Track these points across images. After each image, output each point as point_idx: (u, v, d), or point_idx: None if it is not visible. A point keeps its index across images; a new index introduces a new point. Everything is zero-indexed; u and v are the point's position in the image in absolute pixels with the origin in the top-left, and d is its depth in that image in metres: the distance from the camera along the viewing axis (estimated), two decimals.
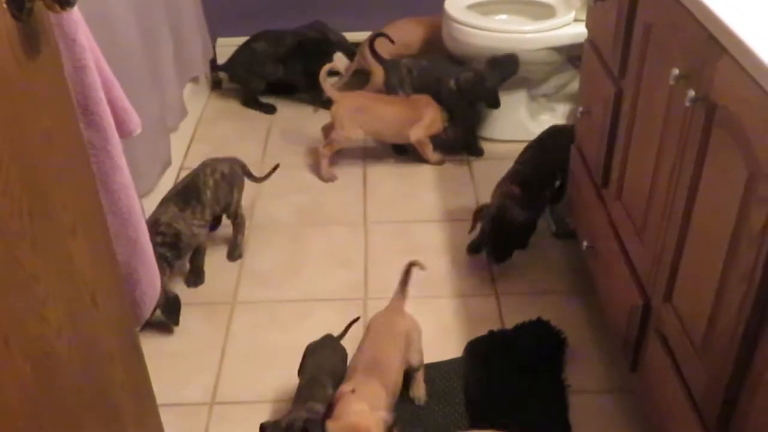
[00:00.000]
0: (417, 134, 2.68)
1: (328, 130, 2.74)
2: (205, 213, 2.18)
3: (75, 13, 1.16)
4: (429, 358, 1.96)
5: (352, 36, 3.23)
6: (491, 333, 2.01)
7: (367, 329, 1.84)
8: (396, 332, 1.82)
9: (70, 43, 1.15)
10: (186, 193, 2.17)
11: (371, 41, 2.85)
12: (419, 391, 1.85)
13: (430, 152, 2.74)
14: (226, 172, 2.28)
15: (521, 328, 2.02)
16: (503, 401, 1.81)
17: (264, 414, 1.83)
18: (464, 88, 2.67)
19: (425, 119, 2.67)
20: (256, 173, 2.43)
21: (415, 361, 1.84)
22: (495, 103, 2.70)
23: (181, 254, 2.12)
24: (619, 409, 1.81)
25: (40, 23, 1.01)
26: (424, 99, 2.71)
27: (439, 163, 2.76)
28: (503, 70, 2.65)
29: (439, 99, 2.72)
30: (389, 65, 2.86)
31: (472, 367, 1.92)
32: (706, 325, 1.26)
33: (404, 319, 1.86)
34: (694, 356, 1.32)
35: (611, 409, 1.81)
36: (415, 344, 1.84)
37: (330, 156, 2.71)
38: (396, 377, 1.75)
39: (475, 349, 1.98)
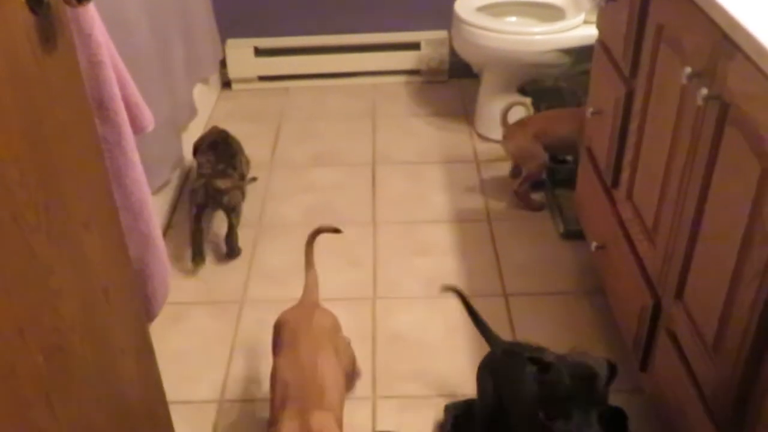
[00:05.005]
0: None
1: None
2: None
3: (91, 9, 1.17)
4: (437, 359, 1.96)
5: (358, 38, 3.25)
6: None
7: (288, 335, 1.49)
8: (327, 337, 1.50)
9: (86, 39, 1.16)
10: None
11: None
12: None
13: None
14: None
15: None
16: None
17: None
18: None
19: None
20: (265, 173, 2.44)
21: (349, 369, 1.55)
22: None
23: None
24: (629, 409, 1.80)
25: (58, 18, 1.02)
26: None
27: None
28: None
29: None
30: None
31: None
32: (718, 323, 1.26)
33: (325, 313, 1.58)
34: (705, 355, 1.32)
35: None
36: (343, 344, 1.56)
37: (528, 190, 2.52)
38: (343, 401, 1.42)
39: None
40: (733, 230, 1.20)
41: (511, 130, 2.51)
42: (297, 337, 1.49)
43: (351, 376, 1.56)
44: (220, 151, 2.40)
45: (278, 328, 1.58)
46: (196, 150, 2.50)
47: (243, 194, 2.43)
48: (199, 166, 2.38)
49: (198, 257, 2.28)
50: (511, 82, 2.83)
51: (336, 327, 1.62)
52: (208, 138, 2.49)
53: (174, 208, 2.57)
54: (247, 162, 2.56)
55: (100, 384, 1.17)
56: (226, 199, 2.27)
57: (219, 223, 2.46)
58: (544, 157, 2.46)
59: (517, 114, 2.60)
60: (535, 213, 2.51)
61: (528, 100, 2.79)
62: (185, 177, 2.72)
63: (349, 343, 1.63)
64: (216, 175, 2.30)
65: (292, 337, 1.50)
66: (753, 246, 1.15)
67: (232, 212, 2.30)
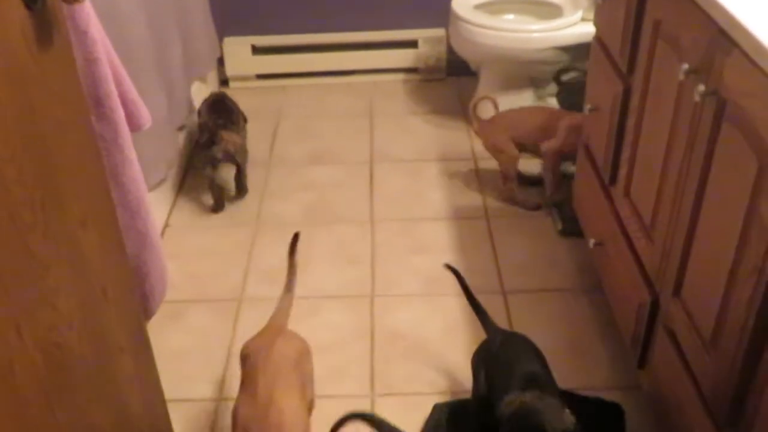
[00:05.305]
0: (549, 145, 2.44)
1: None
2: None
3: (87, 6, 1.16)
4: (437, 356, 1.96)
5: (356, 36, 3.25)
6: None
7: (249, 367, 1.40)
8: (290, 366, 1.42)
9: (82, 36, 1.16)
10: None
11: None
12: None
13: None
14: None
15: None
16: None
17: None
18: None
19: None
20: (263, 171, 2.46)
21: (310, 398, 1.46)
22: None
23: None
24: (626, 405, 1.80)
25: (53, 15, 1.02)
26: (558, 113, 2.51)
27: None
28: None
29: None
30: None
31: None
32: (716, 319, 1.26)
33: (290, 340, 1.49)
34: (703, 351, 1.32)
35: None
36: (309, 376, 1.47)
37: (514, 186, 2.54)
38: None
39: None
40: (731, 226, 1.20)
41: (483, 125, 2.54)
42: (256, 370, 1.40)
43: (312, 407, 1.48)
44: (219, 108, 2.61)
45: (242, 360, 1.50)
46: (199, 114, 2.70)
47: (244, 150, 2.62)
48: (201, 125, 2.57)
49: (220, 208, 2.53)
50: (508, 79, 2.83)
51: (302, 354, 1.51)
52: (206, 101, 2.68)
53: (172, 206, 2.56)
54: (245, 119, 2.77)
55: (98, 382, 1.17)
56: (228, 146, 2.46)
57: (223, 220, 2.46)
58: (514, 152, 2.48)
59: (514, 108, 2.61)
60: (533, 211, 2.51)
61: (541, 92, 2.80)
62: (184, 175, 2.72)
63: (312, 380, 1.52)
64: (219, 127, 2.50)
65: (252, 370, 1.41)
66: (750, 242, 1.15)
67: (238, 160, 2.51)
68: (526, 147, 2.53)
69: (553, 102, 2.93)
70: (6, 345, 0.89)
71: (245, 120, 2.80)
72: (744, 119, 1.16)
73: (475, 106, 2.55)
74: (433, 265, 2.28)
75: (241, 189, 2.61)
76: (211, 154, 2.45)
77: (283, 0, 3.20)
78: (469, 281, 2.19)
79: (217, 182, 2.50)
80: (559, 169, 2.46)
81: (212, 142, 2.45)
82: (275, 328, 1.56)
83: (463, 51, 2.82)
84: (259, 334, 1.55)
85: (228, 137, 2.48)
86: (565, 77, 2.66)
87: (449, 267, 1.83)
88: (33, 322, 0.96)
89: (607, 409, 1.78)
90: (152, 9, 2.29)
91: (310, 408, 1.50)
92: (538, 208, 2.51)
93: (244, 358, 1.49)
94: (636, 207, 1.68)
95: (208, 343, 2.03)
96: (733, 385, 1.22)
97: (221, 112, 2.60)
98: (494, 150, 2.52)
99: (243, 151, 2.56)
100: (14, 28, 0.93)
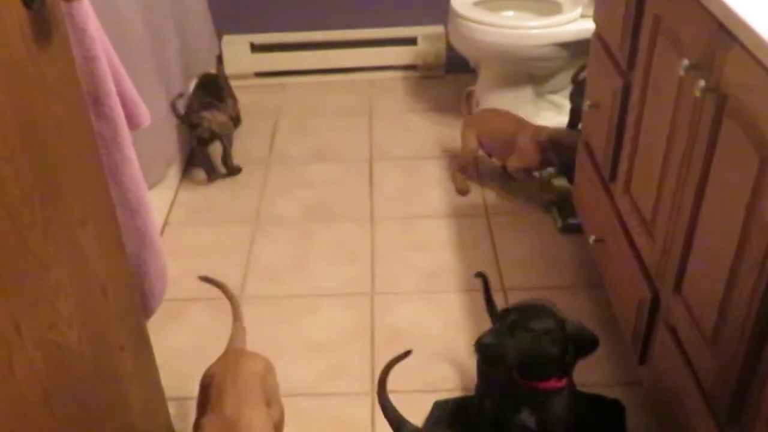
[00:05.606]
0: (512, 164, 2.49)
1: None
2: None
3: (85, 4, 1.16)
4: (438, 354, 1.96)
5: (355, 33, 3.24)
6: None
7: (216, 387, 1.40)
8: (257, 383, 1.42)
9: (81, 34, 1.15)
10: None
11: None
12: None
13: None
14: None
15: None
16: None
17: None
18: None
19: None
20: (262, 169, 2.51)
21: (277, 417, 1.46)
22: None
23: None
24: (627, 401, 1.80)
25: (51, 13, 1.02)
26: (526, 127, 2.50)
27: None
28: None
29: None
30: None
31: None
32: (717, 315, 1.26)
33: (254, 358, 1.49)
34: (703, 347, 1.32)
35: None
36: (274, 392, 1.49)
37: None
38: None
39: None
40: (731, 222, 1.20)
41: (467, 115, 2.61)
42: (224, 389, 1.40)
43: (280, 426, 1.49)
44: (208, 87, 2.69)
45: (205, 386, 1.47)
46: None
47: (229, 128, 2.70)
48: (189, 104, 2.64)
49: (213, 174, 2.66)
50: (507, 76, 2.83)
51: (267, 372, 1.51)
52: (199, 82, 2.77)
53: (172, 204, 2.56)
54: (235, 101, 2.85)
55: (98, 381, 1.17)
56: (212, 125, 2.56)
57: (220, 223, 2.46)
58: (471, 147, 2.56)
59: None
60: (532, 208, 2.50)
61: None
62: (183, 173, 2.71)
63: (278, 396, 1.52)
64: (203, 107, 2.60)
65: (219, 390, 1.40)
66: (751, 237, 1.14)
67: (222, 138, 2.60)
68: (487, 149, 2.58)
69: (553, 99, 2.93)
70: (6, 344, 0.89)
71: (235, 99, 2.87)
72: (745, 115, 1.16)
73: (466, 97, 2.61)
74: (432, 262, 2.28)
75: (230, 168, 2.68)
76: (198, 135, 2.56)
77: None
78: (469, 278, 2.20)
79: (206, 153, 2.62)
80: (535, 177, 2.50)
81: (197, 124, 2.55)
82: (236, 350, 1.56)
83: (463, 48, 2.82)
84: (221, 358, 1.54)
85: (211, 117, 2.57)
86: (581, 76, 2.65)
87: (480, 275, 1.82)
88: (33, 322, 0.95)
89: (607, 406, 1.78)
90: (150, 7, 2.28)
91: (279, 423, 1.51)
92: (465, 193, 2.59)
93: (210, 380, 1.47)
94: (636, 203, 1.68)
95: (207, 341, 2.02)
96: (734, 381, 1.22)
97: (209, 91, 2.67)
98: (461, 139, 2.60)
99: (228, 129, 2.65)
100: (13, 26, 0.92)
